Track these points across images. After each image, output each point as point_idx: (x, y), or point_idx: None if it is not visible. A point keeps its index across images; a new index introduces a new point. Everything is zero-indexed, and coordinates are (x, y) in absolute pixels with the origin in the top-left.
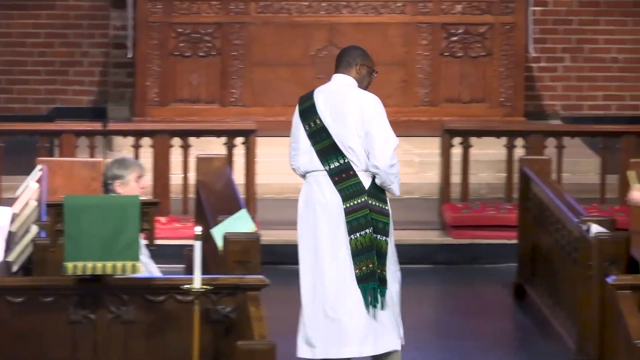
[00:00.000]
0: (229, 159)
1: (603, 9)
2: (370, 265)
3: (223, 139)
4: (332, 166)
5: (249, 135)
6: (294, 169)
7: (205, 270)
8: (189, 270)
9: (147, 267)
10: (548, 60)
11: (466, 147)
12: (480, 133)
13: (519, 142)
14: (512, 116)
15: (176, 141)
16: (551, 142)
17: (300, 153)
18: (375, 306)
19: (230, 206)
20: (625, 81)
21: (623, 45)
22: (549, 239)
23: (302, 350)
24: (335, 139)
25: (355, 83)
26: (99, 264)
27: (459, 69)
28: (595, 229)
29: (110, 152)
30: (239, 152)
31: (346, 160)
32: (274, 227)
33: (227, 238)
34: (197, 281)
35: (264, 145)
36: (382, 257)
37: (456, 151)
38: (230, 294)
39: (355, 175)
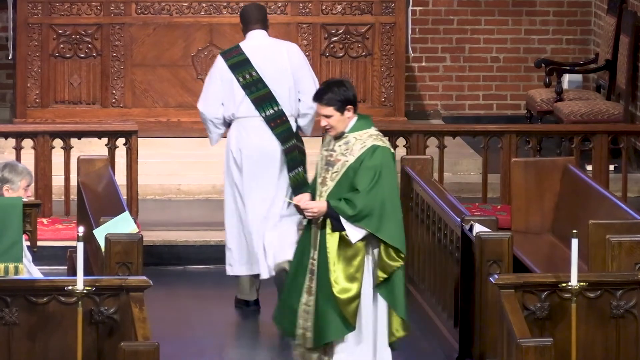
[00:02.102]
0: (110, 160)
1: (483, 8)
2: None
3: (104, 140)
4: (267, 113)
5: (130, 136)
6: (210, 117)
7: (88, 271)
8: (72, 271)
9: (29, 269)
10: (429, 60)
11: None
12: None
13: (401, 141)
14: (393, 116)
15: (57, 142)
16: (432, 141)
17: (234, 102)
18: None
19: (112, 207)
20: (505, 80)
21: (503, 44)
22: (432, 238)
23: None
24: (272, 88)
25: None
26: None
27: (339, 69)
28: (477, 228)
29: None
30: (121, 153)
31: (280, 107)
32: (155, 228)
33: (109, 239)
34: (80, 283)
35: (146, 146)
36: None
37: None
38: (113, 295)
39: (287, 120)
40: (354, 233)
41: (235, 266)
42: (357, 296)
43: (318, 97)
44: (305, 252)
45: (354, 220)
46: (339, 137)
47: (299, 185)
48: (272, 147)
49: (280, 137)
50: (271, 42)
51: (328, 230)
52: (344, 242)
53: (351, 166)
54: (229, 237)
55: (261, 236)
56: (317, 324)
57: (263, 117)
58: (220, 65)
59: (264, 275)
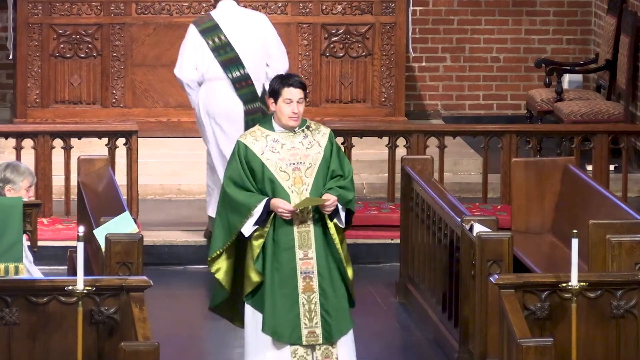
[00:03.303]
0: (110, 160)
1: (483, 8)
2: None
3: (104, 140)
4: (234, 75)
5: (130, 136)
6: (185, 80)
7: (88, 271)
8: (72, 271)
9: (29, 269)
10: (429, 59)
11: (348, 147)
12: (361, 133)
13: (401, 141)
14: (393, 116)
15: (58, 142)
16: (433, 141)
17: (204, 64)
18: None
19: (112, 207)
20: (506, 80)
21: (503, 44)
22: (432, 238)
23: None
24: (239, 52)
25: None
26: None
27: (339, 69)
28: (477, 228)
29: None
30: (121, 153)
31: (245, 71)
32: (155, 228)
33: (109, 239)
34: (80, 283)
35: (146, 146)
36: None
37: None
38: (113, 295)
39: (252, 83)
40: (343, 217)
41: (211, 207)
42: None
43: (287, 82)
44: (283, 259)
45: (351, 204)
46: (287, 136)
47: None
48: (236, 107)
49: (244, 98)
50: (240, 11)
51: (328, 222)
52: (335, 229)
53: (324, 157)
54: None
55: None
56: (330, 319)
57: (230, 78)
58: (191, 32)
59: None
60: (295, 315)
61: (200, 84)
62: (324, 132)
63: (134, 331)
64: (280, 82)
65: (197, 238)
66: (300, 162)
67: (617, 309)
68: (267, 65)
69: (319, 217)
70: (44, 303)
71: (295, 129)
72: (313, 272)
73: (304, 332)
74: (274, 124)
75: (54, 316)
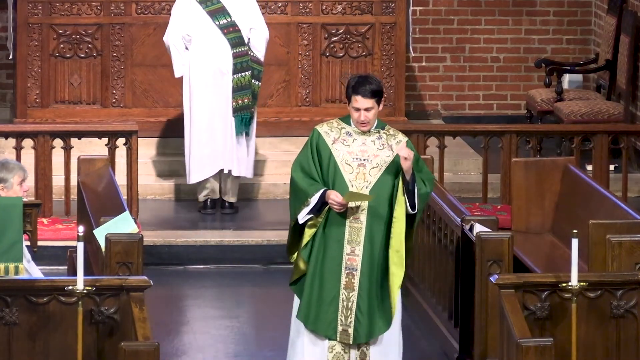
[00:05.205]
0: (110, 160)
1: (483, 8)
2: (246, 100)
3: (104, 140)
4: (221, 22)
5: (130, 136)
6: (172, 43)
7: (88, 271)
8: (72, 271)
9: (28, 269)
10: (429, 59)
11: None
12: None
13: None
14: (393, 116)
15: (58, 142)
16: (433, 141)
17: (192, 15)
18: (247, 134)
19: (112, 207)
20: (506, 80)
21: (503, 44)
22: (432, 238)
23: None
24: (224, 4)
25: None
26: None
27: (339, 69)
28: (477, 228)
29: None
30: (121, 153)
31: (232, 19)
32: (155, 228)
33: (109, 239)
34: (80, 283)
35: (146, 146)
36: (255, 97)
37: None
38: (113, 295)
39: (240, 30)
40: (413, 207)
41: (193, 174)
42: None
43: (357, 90)
44: (330, 251)
45: (422, 198)
46: (361, 133)
47: (241, 87)
48: (224, 50)
49: (232, 42)
50: None
51: (397, 213)
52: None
53: (393, 161)
54: (187, 149)
55: (221, 133)
56: (362, 319)
57: (217, 25)
58: None
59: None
60: (334, 310)
61: (188, 44)
62: (400, 140)
63: (134, 331)
64: (352, 87)
65: (197, 238)
66: (367, 160)
67: (617, 309)
68: (251, 29)
69: (374, 216)
70: (44, 303)
71: (371, 128)
72: (357, 270)
73: (339, 328)
74: (351, 120)
75: (54, 316)
